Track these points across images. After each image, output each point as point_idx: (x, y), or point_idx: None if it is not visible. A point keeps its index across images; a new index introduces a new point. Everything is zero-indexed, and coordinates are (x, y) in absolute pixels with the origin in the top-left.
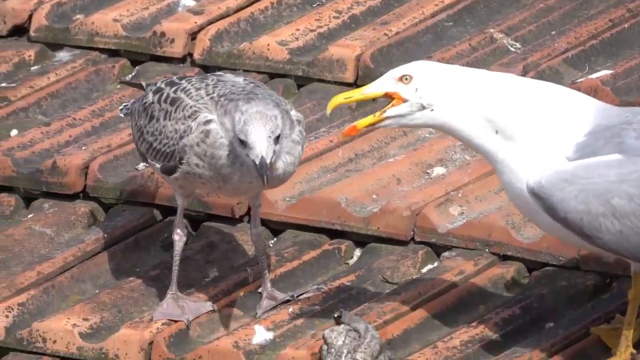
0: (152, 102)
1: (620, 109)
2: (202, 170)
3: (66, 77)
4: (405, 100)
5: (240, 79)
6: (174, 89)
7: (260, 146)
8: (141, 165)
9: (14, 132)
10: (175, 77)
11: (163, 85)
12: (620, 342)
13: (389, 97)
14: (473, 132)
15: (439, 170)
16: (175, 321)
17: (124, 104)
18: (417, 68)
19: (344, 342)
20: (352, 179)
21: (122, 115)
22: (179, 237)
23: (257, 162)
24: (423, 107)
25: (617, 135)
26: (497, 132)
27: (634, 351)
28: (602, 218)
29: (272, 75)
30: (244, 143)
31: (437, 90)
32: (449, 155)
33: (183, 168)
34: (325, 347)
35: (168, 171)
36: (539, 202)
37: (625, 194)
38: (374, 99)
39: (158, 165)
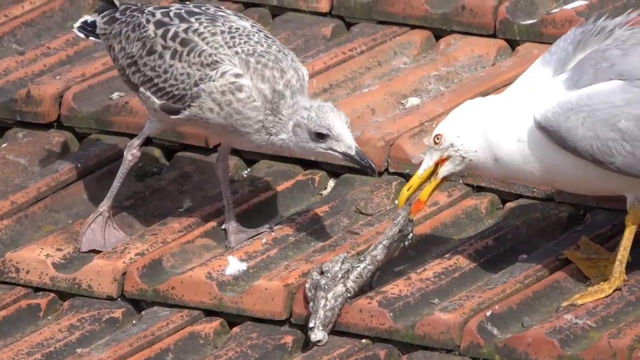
0: (154, 36)
1: (557, 43)
2: (214, 116)
3: (41, 6)
4: (448, 158)
5: (247, 24)
6: (183, 27)
7: (348, 137)
8: (115, 95)
9: None
10: (170, 6)
11: (161, 16)
12: (614, 267)
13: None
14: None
15: (413, 101)
16: (98, 251)
17: (84, 20)
18: (444, 128)
19: (340, 267)
20: None
21: (79, 33)
22: (131, 157)
23: (354, 153)
24: (463, 158)
25: (603, 59)
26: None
27: (626, 277)
28: (611, 142)
29: (247, 5)
30: (324, 137)
31: (468, 142)
32: (424, 85)
33: (191, 110)
34: (318, 276)
35: (169, 111)
36: (548, 136)
37: (631, 116)
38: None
39: (157, 101)
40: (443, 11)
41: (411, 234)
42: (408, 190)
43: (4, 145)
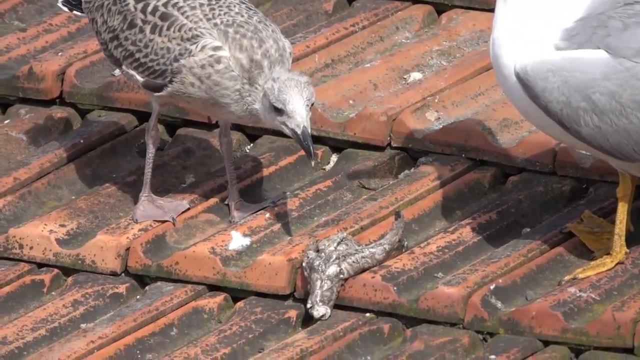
0: (134, 10)
1: None
2: (196, 90)
3: None
4: None
5: None
6: (162, 1)
7: (301, 115)
8: (117, 71)
9: None
10: None
11: None
12: (614, 241)
13: None
14: None
15: (415, 76)
16: (162, 221)
17: None
18: None
19: (335, 248)
20: (328, 84)
21: (64, 7)
22: (152, 140)
23: (299, 133)
24: None
25: (603, 26)
26: None
27: (628, 250)
28: (581, 112)
29: None
30: (280, 111)
31: None
32: (426, 60)
33: (174, 86)
34: (313, 254)
35: (152, 88)
36: (523, 88)
37: (607, 91)
38: None
39: (140, 78)
40: None
41: (406, 243)
42: None
43: (6, 121)
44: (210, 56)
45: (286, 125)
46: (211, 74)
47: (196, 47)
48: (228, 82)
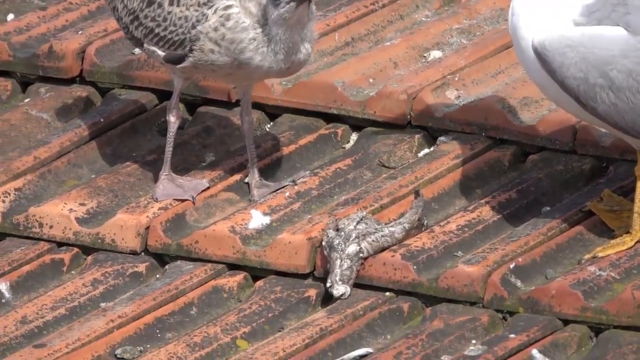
0: None
1: None
2: (217, 56)
3: None
4: None
5: None
6: None
7: None
8: (137, 50)
9: (10, 16)
10: None
11: None
12: (633, 220)
13: None
14: None
15: (435, 54)
16: (182, 200)
17: None
18: None
19: (355, 227)
20: (348, 62)
21: None
22: (174, 119)
23: None
24: None
25: (623, 4)
26: None
27: None
28: (598, 88)
29: None
30: (277, 1)
31: None
32: (446, 38)
33: (195, 55)
34: (332, 233)
35: (174, 60)
36: (541, 62)
37: (625, 68)
38: None
39: (161, 53)
40: None
41: (426, 222)
42: None
43: (26, 100)
44: (221, 16)
45: (287, 3)
46: (225, 33)
47: (212, 10)
48: (241, 34)
